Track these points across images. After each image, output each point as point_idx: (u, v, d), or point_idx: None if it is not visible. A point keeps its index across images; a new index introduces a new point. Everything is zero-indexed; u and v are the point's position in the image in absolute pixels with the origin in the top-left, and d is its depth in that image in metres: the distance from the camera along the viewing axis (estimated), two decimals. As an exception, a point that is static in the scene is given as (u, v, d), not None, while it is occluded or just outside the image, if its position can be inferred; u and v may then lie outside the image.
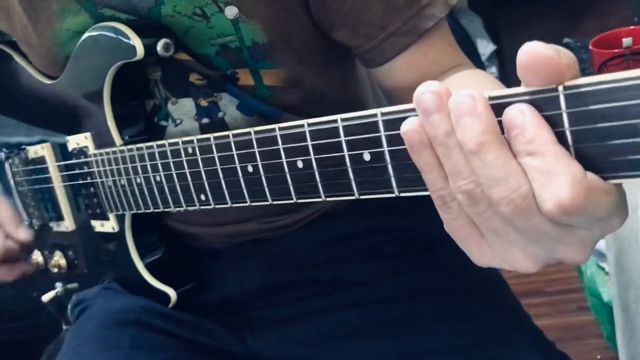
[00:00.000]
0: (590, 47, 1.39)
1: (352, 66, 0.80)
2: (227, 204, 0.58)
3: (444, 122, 0.36)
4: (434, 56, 0.68)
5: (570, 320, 1.68)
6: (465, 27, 2.64)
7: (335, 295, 0.76)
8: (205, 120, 0.72)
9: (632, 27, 1.38)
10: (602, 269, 1.53)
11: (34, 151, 0.84)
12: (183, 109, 0.72)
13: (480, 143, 0.35)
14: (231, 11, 0.64)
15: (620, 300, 1.20)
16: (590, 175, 0.33)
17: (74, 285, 0.89)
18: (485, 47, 2.68)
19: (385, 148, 0.42)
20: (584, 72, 0.34)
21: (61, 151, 0.79)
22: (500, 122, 0.36)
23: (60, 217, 0.84)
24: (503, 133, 0.36)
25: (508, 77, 2.59)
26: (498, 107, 0.36)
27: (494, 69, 2.69)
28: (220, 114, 0.72)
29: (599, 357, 1.53)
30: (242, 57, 0.67)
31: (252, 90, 0.70)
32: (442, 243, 0.71)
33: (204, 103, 0.72)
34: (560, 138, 0.34)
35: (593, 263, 1.57)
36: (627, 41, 1.31)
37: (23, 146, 0.86)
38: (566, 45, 2.47)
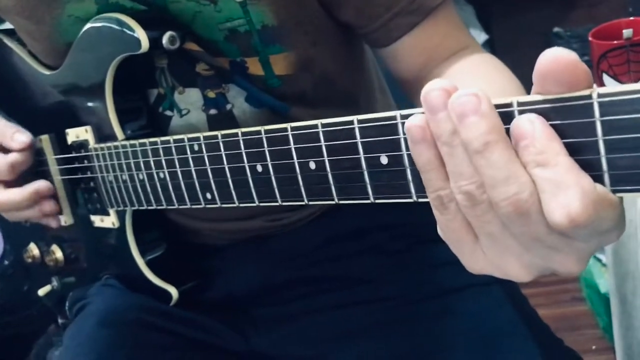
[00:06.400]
0: (590, 38, 1.38)
1: (361, 52, 0.79)
2: (234, 203, 0.56)
3: (450, 120, 0.35)
4: (440, 38, 0.67)
5: (565, 311, 1.69)
6: (458, 16, 2.63)
7: (340, 292, 0.76)
8: (213, 111, 0.71)
9: (632, 18, 1.37)
10: (600, 260, 1.54)
11: (31, 143, 0.82)
12: (190, 99, 0.71)
13: (486, 142, 0.34)
14: None
15: (618, 292, 1.20)
16: (600, 188, 0.33)
17: (71, 279, 0.87)
18: (478, 37, 2.67)
19: (405, 152, 0.41)
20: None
21: (60, 144, 0.77)
22: (507, 129, 0.35)
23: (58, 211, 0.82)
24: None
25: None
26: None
27: (487, 58, 2.69)
28: (228, 106, 0.70)
29: (594, 347, 1.54)
30: (252, 42, 0.65)
31: (262, 80, 0.68)
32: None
33: (211, 94, 0.70)
34: (593, 147, 0.33)
35: (590, 254, 1.58)
36: (627, 32, 1.30)
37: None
38: (557, 35, 2.47)
